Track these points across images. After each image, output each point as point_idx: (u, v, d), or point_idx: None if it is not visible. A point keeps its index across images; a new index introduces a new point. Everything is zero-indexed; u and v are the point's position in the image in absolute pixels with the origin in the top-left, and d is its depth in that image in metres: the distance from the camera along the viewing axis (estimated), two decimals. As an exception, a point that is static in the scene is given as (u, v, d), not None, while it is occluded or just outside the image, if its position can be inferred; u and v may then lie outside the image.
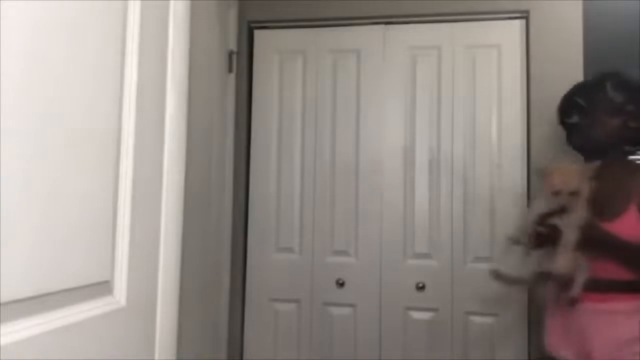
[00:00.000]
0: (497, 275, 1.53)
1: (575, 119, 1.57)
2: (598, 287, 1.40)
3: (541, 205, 1.44)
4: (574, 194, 1.36)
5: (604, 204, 1.40)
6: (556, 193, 1.37)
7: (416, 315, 2.07)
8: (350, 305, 2.10)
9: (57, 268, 0.64)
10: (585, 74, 2.01)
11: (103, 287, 0.75)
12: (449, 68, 2.13)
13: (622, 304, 1.42)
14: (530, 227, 1.42)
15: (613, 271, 1.42)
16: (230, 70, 2.04)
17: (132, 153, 0.80)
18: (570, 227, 1.34)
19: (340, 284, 2.10)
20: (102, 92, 0.74)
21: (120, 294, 0.78)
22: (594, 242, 1.38)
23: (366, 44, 2.18)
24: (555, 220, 1.38)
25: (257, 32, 2.26)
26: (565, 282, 1.39)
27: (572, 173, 1.40)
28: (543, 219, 1.40)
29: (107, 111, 0.75)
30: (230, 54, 2.03)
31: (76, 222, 0.68)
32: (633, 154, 1.58)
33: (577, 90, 1.60)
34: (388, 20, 2.17)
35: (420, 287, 2.05)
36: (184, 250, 1.03)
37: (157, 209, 0.91)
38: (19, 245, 0.57)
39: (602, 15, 2.58)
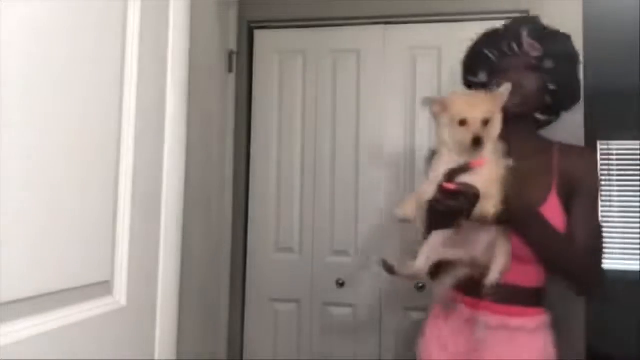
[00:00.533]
0: (387, 268, 1.15)
1: (482, 77, 1.23)
2: (499, 294, 1.07)
3: (445, 160, 1.04)
4: (487, 123, 0.99)
5: (520, 191, 1.03)
6: (464, 122, 0.99)
7: (416, 315, 2.07)
8: (350, 305, 2.10)
9: (57, 268, 0.64)
10: (585, 73, 2.01)
11: (103, 287, 0.75)
12: (449, 68, 2.12)
13: (525, 320, 1.18)
14: (429, 196, 1.00)
15: (519, 274, 1.12)
16: (230, 70, 2.04)
17: (132, 153, 0.80)
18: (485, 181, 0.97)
19: (340, 284, 2.09)
20: (102, 92, 0.74)
21: (120, 294, 0.79)
22: (521, 215, 1.03)
23: (366, 44, 2.18)
24: (467, 177, 0.97)
25: (257, 32, 2.26)
26: (479, 269, 1.07)
27: (481, 98, 1.04)
28: (450, 177, 0.97)
29: (107, 111, 0.75)
30: (230, 54, 2.03)
31: (76, 223, 0.68)
32: (545, 125, 1.29)
33: (487, 41, 1.23)
34: (388, 20, 2.17)
35: (420, 287, 2.05)
36: (184, 250, 1.03)
37: (157, 209, 0.91)
38: (19, 246, 0.57)
39: (602, 15, 2.58)
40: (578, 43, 2.02)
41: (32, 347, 0.59)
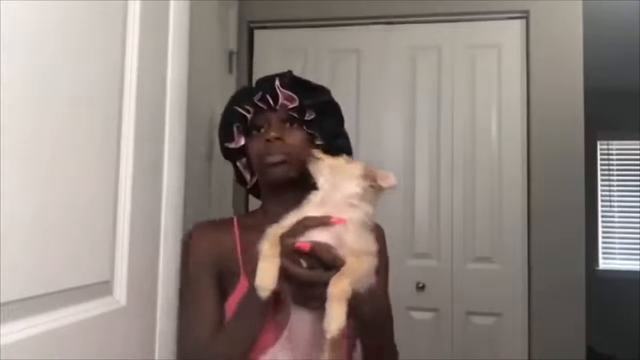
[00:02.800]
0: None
1: (240, 140, 1.00)
2: None
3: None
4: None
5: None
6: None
7: (416, 315, 2.07)
8: (350, 305, 2.10)
9: (57, 268, 0.64)
10: (585, 74, 2.02)
11: (103, 287, 0.75)
12: (449, 68, 2.12)
13: None
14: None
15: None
16: (230, 71, 2.04)
17: (132, 153, 0.80)
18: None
19: (340, 284, 2.09)
20: (101, 92, 0.74)
21: (120, 294, 0.78)
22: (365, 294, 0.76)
23: (366, 44, 2.18)
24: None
25: (257, 32, 2.26)
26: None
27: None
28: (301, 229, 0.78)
29: (106, 111, 0.75)
30: (230, 54, 2.03)
31: (76, 223, 0.68)
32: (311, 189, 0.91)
33: (238, 98, 1.01)
34: (388, 20, 2.17)
35: (420, 287, 2.05)
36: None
37: (157, 209, 0.90)
38: (18, 246, 0.57)
39: (602, 15, 2.58)
40: (578, 43, 2.03)
41: (32, 347, 0.59)
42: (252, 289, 0.78)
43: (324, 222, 0.78)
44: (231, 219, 1.01)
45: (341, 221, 0.78)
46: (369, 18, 2.18)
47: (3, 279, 0.54)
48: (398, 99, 2.14)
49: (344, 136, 1.05)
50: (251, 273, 0.81)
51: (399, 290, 2.10)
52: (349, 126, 2.24)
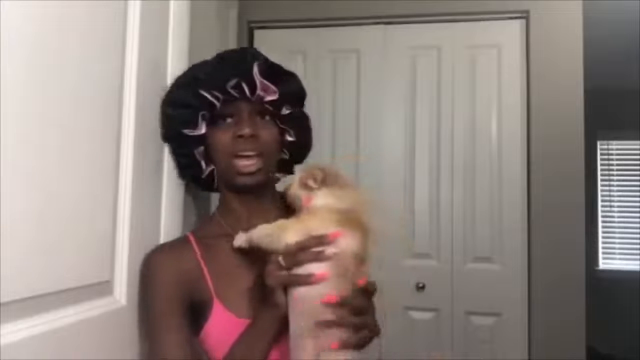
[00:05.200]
0: None
1: (201, 127, 0.85)
2: None
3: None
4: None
5: None
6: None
7: (416, 315, 2.07)
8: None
9: (56, 268, 0.64)
10: (586, 74, 2.02)
11: (103, 287, 0.75)
12: (449, 68, 2.12)
13: None
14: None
15: None
16: (230, 70, 2.04)
17: (132, 153, 0.80)
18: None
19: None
20: (102, 93, 0.74)
21: (120, 294, 0.78)
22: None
23: (366, 44, 2.18)
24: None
25: (257, 32, 2.26)
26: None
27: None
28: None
29: (107, 111, 0.75)
30: (230, 54, 2.03)
31: (76, 222, 0.67)
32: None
33: (204, 79, 0.84)
34: (388, 20, 2.17)
35: (420, 287, 2.05)
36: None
37: (157, 209, 0.90)
38: (19, 246, 0.57)
39: (602, 15, 2.58)
40: (578, 43, 2.03)
41: (32, 347, 0.59)
42: (261, 316, 0.75)
43: (324, 239, 0.71)
44: (187, 238, 0.88)
45: (337, 235, 0.71)
46: (369, 18, 2.18)
47: (3, 279, 0.54)
48: (398, 98, 2.14)
49: (310, 131, 0.95)
50: (224, 295, 0.81)
51: (399, 290, 2.10)
52: (349, 126, 2.23)
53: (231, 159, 0.83)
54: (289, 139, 0.90)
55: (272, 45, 2.23)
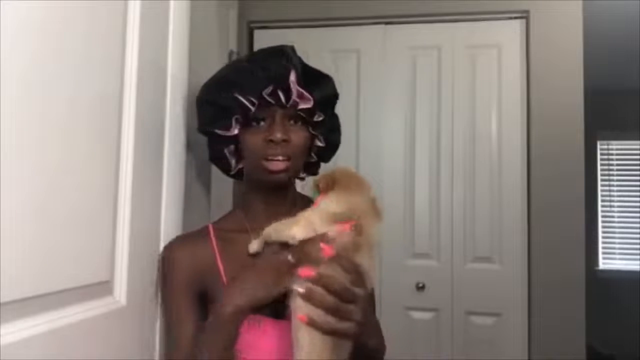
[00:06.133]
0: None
1: (234, 129, 0.87)
2: None
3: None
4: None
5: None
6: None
7: (416, 315, 2.07)
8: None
9: (56, 268, 0.64)
10: (586, 74, 2.02)
11: (103, 287, 0.75)
12: (449, 68, 2.12)
13: None
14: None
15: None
16: (230, 70, 2.04)
17: (132, 153, 0.80)
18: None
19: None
20: (101, 92, 0.74)
21: (120, 294, 0.78)
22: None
23: (366, 44, 2.18)
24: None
25: (257, 32, 2.26)
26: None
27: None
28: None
29: (107, 112, 0.75)
30: (230, 54, 2.03)
31: (76, 222, 0.67)
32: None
33: (240, 82, 0.86)
34: (388, 20, 2.17)
35: (420, 287, 2.05)
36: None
37: (157, 209, 0.90)
38: (18, 246, 0.57)
39: (602, 15, 2.58)
40: (578, 43, 2.03)
41: (32, 347, 0.59)
42: (226, 295, 0.76)
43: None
44: (207, 229, 0.91)
45: (345, 228, 0.76)
46: (369, 18, 2.18)
47: (3, 279, 0.54)
48: (398, 99, 2.14)
49: (339, 131, 0.98)
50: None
51: (399, 290, 2.10)
52: (349, 126, 2.22)
53: (261, 160, 0.85)
54: (319, 144, 0.93)
55: (272, 45, 2.23)
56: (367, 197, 0.83)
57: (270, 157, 0.84)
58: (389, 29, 2.17)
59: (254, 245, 0.83)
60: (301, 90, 0.86)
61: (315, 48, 2.19)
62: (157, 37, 0.90)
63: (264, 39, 2.24)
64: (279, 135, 0.83)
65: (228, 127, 0.86)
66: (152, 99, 0.88)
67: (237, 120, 0.86)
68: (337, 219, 0.77)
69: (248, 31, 2.24)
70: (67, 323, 0.65)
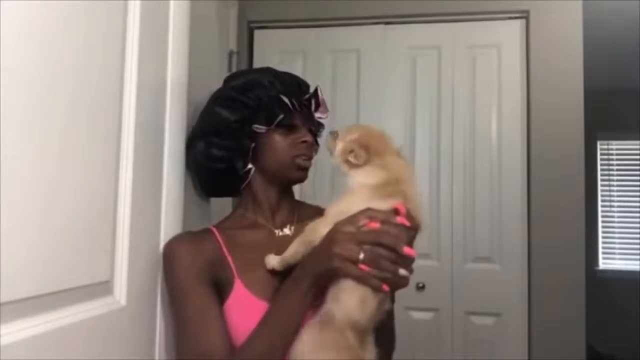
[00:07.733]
0: None
1: (265, 127, 0.94)
2: None
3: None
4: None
5: None
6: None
7: (416, 315, 2.07)
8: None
9: (57, 268, 0.64)
10: (585, 74, 2.02)
11: (103, 287, 0.75)
12: (449, 68, 2.12)
13: None
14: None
15: None
16: (230, 71, 2.04)
17: (132, 153, 0.80)
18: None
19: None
20: (102, 92, 0.74)
21: (120, 294, 0.78)
22: None
23: (366, 44, 2.18)
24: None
25: (257, 32, 2.26)
26: None
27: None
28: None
29: (107, 111, 0.75)
30: (230, 54, 2.03)
31: (76, 222, 0.68)
32: None
33: (286, 87, 0.96)
34: (388, 20, 2.17)
35: (420, 287, 2.05)
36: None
37: (157, 209, 0.90)
38: (19, 246, 0.57)
39: (602, 15, 2.58)
40: (578, 43, 2.03)
41: (32, 347, 0.59)
42: (300, 269, 0.79)
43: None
44: (209, 228, 0.93)
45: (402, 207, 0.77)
46: (368, 18, 2.18)
47: (3, 279, 0.54)
48: (398, 99, 2.14)
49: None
50: (245, 276, 0.85)
51: (399, 290, 2.09)
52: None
53: (294, 159, 0.93)
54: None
55: (272, 45, 2.23)
56: (396, 153, 0.86)
57: (302, 157, 0.93)
58: (389, 28, 2.17)
59: (271, 262, 0.84)
60: (325, 104, 0.99)
61: (315, 48, 2.19)
62: (157, 37, 0.90)
63: (264, 39, 2.24)
64: (310, 138, 0.94)
65: (270, 123, 0.92)
66: (152, 100, 0.88)
67: (272, 120, 0.92)
68: (381, 191, 0.78)
69: (248, 31, 2.24)
70: (67, 323, 0.65)
